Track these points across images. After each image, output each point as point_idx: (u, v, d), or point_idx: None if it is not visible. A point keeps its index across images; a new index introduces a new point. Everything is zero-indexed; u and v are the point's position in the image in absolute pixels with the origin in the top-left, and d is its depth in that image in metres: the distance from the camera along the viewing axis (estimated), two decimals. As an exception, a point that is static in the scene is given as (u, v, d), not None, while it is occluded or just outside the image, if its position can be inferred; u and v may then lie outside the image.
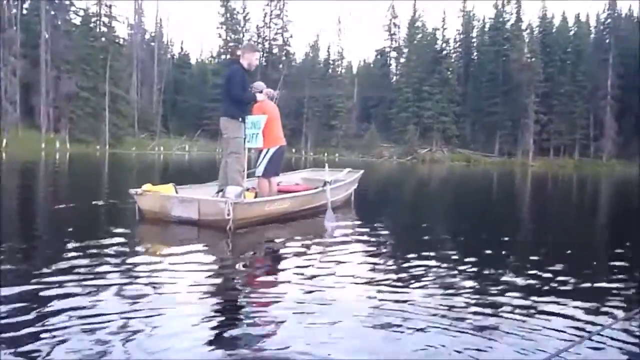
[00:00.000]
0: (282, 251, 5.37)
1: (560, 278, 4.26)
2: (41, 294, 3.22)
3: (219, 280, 4.05)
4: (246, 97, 6.74)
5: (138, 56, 57.92)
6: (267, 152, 7.14)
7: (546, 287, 3.94)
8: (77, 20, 49.01)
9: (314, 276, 4.06)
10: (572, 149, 59.40)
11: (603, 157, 56.55)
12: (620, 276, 4.58)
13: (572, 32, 62.08)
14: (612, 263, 5.23)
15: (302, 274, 4.10)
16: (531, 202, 14.16)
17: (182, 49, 75.32)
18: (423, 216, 9.29)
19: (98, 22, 49.16)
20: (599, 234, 8.30)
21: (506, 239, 6.72)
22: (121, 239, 5.17)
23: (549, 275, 4.36)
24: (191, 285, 3.69)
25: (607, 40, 59.24)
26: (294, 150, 57.85)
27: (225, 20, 62.93)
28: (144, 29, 63.53)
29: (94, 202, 7.94)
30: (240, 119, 6.58)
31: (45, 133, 42.51)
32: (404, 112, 60.24)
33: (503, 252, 5.67)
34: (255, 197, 7.02)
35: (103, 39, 48.25)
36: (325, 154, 56.27)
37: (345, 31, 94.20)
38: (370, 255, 5.14)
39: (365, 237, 6.11)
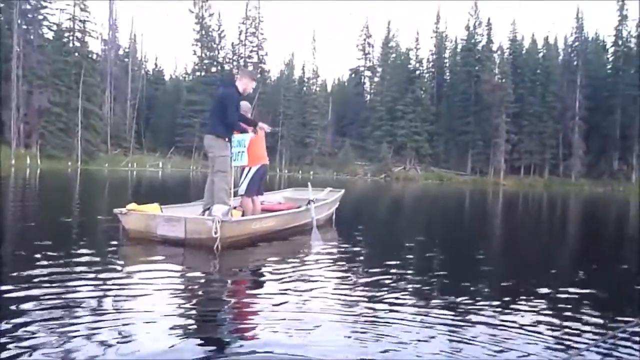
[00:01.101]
0: (269, 269, 5.36)
1: (527, 290, 4.41)
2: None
3: (206, 295, 4.11)
4: (238, 127, 6.72)
5: (111, 72, 57.46)
6: (249, 171, 7.20)
7: (513, 299, 4.01)
8: (50, 35, 48.42)
9: (301, 292, 4.11)
10: (542, 168, 60.70)
11: (572, 176, 57.87)
12: (589, 291, 4.67)
13: (541, 54, 63.72)
14: (582, 280, 5.34)
15: (290, 291, 4.15)
16: (505, 220, 14.38)
17: (156, 65, 75.08)
18: (402, 234, 9.33)
19: (71, 37, 48.67)
20: (569, 250, 8.48)
21: (481, 253, 6.87)
22: (107, 257, 5.14)
23: (516, 287, 4.58)
24: (175, 300, 3.74)
25: (575, 63, 61.04)
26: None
27: (200, 37, 62.90)
28: (118, 45, 63.15)
29: (67, 219, 7.80)
30: (227, 139, 6.55)
31: (15, 148, 41.62)
32: (377, 130, 60.89)
33: (478, 267, 5.77)
34: (243, 215, 7.00)
35: (76, 54, 47.75)
36: (300, 172, 56.35)
37: (319, 50, 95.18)
38: (354, 273, 5.16)
39: (349, 256, 6.19)
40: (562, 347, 3.08)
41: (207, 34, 63.45)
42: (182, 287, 4.32)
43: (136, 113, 59.75)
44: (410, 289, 4.47)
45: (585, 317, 3.82)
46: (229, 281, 4.75)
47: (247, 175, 7.18)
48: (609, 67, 62.39)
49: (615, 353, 2.99)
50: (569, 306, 4.15)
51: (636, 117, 55.16)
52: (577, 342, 3.18)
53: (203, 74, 62.82)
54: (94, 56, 52.02)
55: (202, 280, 4.64)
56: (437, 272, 5.46)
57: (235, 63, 65.89)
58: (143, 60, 70.29)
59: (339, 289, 4.35)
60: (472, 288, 4.60)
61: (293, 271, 5.05)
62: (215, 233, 5.65)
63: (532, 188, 49.75)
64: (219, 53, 65.38)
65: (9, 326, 2.94)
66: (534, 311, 3.89)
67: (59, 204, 12.05)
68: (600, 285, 5.17)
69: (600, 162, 57.48)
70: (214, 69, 64.39)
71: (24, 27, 45.63)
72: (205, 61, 63.51)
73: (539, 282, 5.11)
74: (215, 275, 4.99)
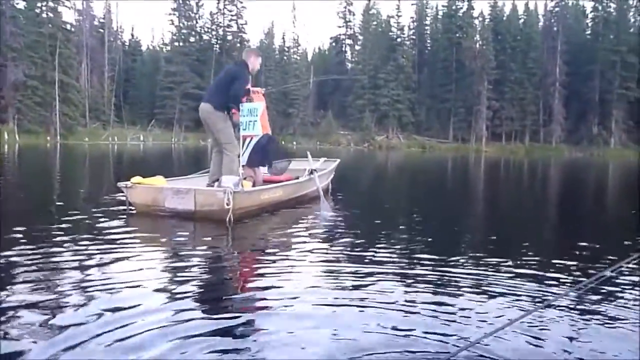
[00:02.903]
0: (286, 240, 5.18)
1: (508, 247, 4.50)
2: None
3: (225, 268, 4.07)
4: (239, 102, 6.48)
5: (87, 43, 56.06)
6: (250, 141, 7.05)
7: (495, 261, 4.10)
8: (21, 5, 46.86)
9: (324, 265, 4.05)
10: (523, 134, 61.17)
11: (552, 141, 58.47)
12: (566, 250, 4.77)
13: (521, 20, 63.59)
14: (559, 239, 5.46)
15: (313, 264, 4.08)
16: (487, 185, 14.52)
17: (132, 35, 73.32)
18: (398, 202, 9.43)
19: (44, 7, 47.22)
20: (549, 209, 8.61)
21: (469, 214, 6.95)
22: (116, 234, 4.96)
23: (499, 249, 4.71)
24: (196, 274, 3.71)
25: (555, 28, 61.03)
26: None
27: (177, 7, 61.54)
28: (93, 15, 61.40)
29: (63, 196, 7.66)
30: (225, 112, 6.36)
31: (-9, 124, 40.76)
32: (360, 99, 60.67)
33: (465, 234, 5.89)
34: (254, 185, 6.85)
35: (50, 25, 46.35)
36: (282, 142, 56.11)
37: (299, 18, 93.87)
38: (371, 245, 4.92)
39: (359, 225, 6.10)
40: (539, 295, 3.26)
41: (184, 2, 62.11)
42: (200, 260, 4.19)
43: (114, 85, 58.60)
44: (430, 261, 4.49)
45: (562, 267, 4.05)
46: (247, 253, 4.67)
47: (248, 145, 7.05)
48: (588, 32, 62.56)
49: (583, 304, 3.16)
50: (546, 259, 4.38)
51: (615, 82, 55.70)
52: (550, 293, 3.35)
53: (181, 44, 61.67)
54: (69, 27, 50.58)
55: (220, 253, 4.57)
56: (442, 239, 5.56)
57: (214, 32, 64.82)
58: (119, 30, 68.69)
59: (361, 263, 4.13)
60: (458, 257, 4.68)
61: (311, 242, 4.99)
62: (228, 204, 5.52)
63: (514, 154, 50.26)
64: (197, 22, 64.20)
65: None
66: (515, 265, 4.04)
67: (51, 180, 11.83)
68: (577, 239, 5.43)
69: (579, 127, 58.10)
70: (192, 39, 63.27)
71: (-6, -3, 44.16)
72: (183, 31, 62.29)
73: (520, 238, 5.47)
74: (232, 248, 4.89)
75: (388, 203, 9.08)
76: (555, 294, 3.32)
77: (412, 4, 67.78)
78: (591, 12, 61.89)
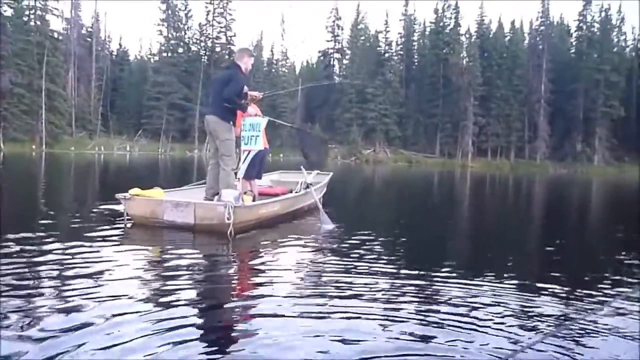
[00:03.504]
0: (286, 254, 5.10)
1: (492, 265, 4.46)
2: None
3: (228, 282, 4.02)
4: (237, 104, 6.41)
5: (75, 52, 55.80)
6: (248, 154, 6.97)
7: (479, 272, 4.09)
8: (9, 13, 46.63)
9: (323, 285, 3.95)
10: (509, 150, 61.85)
11: (537, 157, 59.15)
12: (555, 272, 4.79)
13: (507, 38, 64.51)
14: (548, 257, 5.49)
15: (308, 283, 4.00)
16: (473, 200, 14.59)
17: (120, 45, 73.10)
18: (390, 216, 9.43)
19: (33, 16, 47.04)
20: (532, 227, 8.67)
21: (456, 230, 6.97)
22: (114, 245, 4.93)
23: (484, 262, 4.62)
24: (199, 289, 3.69)
25: (541, 47, 61.98)
26: (237, 150, 57.36)
27: (166, 17, 61.59)
28: (81, 24, 61.21)
29: (55, 207, 7.53)
30: (230, 122, 6.33)
31: (-24, 132, 40.37)
32: (347, 113, 60.93)
33: (453, 249, 5.90)
34: (254, 200, 6.78)
35: (38, 33, 46.16)
36: (270, 154, 56.02)
37: (288, 31, 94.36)
38: (376, 259, 4.93)
39: (359, 238, 5.99)
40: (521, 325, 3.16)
41: (173, 13, 62.20)
42: (202, 275, 4.13)
43: (102, 94, 58.31)
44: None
45: (547, 292, 3.94)
46: (249, 267, 4.61)
47: (246, 158, 6.98)
48: (572, 51, 63.62)
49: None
50: (529, 282, 4.27)
51: (598, 100, 56.73)
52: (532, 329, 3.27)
53: (169, 54, 61.66)
54: (57, 35, 50.38)
55: (222, 267, 4.52)
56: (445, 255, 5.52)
57: (202, 44, 64.88)
58: (107, 40, 68.51)
59: (365, 274, 4.17)
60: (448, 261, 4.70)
61: (315, 255, 4.94)
62: (229, 219, 5.48)
63: (499, 170, 50.72)
64: (185, 33, 64.26)
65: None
66: (499, 288, 3.95)
67: (40, 191, 11.61)
68: (562, 262, 5.40)
69: (564, 144, 58.90)
70: (180, 50, 63.27)
71: (-19, 4, 43.91)
72: (172, 42, 62.31)
73: (504, 256, 5.44)
74: (232, 261, 4.83)
75: (380, 217, 9.10)
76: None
77: (400, 20, 68.56)
78: (575, 31, 63.11)
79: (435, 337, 2.78)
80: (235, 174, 6.86)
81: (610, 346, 2.77)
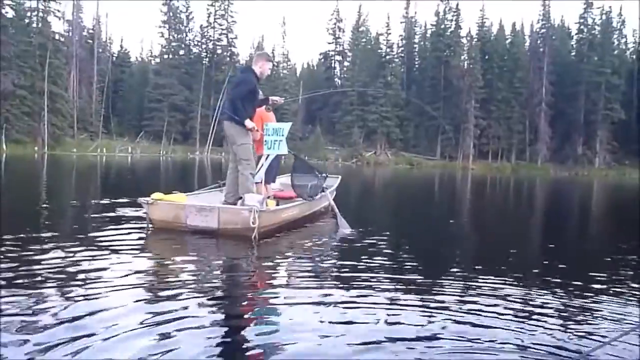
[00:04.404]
0: (313, 257, 5.17)
1: (494, 269, 4.51)
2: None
3: (255, 286, 4.05)
4: (238, 108, 6.24)
5: (77, 53, 55.84)
6: (267, 158, 6.98)
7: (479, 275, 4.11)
8: (11, 14, 46.65)
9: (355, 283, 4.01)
10: (510, 152, 61.85)
11: (538, 160, 59.14)
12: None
13: (508, 41, 64.51)
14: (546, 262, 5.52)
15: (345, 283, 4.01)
16: (475, 203, 14.60)
17: (121, 47, 73.24)
18: (398, 219, 9.47)
19: (35, 17, 47.11)
20: (534, 230, 8.68)
21: (458, 233, 6.98)
22: (140, 249, 5.00)
23: (486, 265, 4.67)
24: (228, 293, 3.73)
25: (541, 49, 62.00)
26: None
27: (167, 19, 61.70)
28: (83, 26, 61.28)
29: (74, 210, 7.50)
30: (244, 126, 6.29)
31: (-22, 133, 40.38)
32: (348, 115, 60.96)
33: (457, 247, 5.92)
34: (277, 204, 6.76)
35: (40, 35, 46.20)
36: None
37: (289, 33, 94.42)
38: (400, 262, 5.03)
39: (377, 242, 6.04)
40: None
41: (174, 15, 62.31)
42: (227, 281, 4.16)
43: (103, 96, 58.34)
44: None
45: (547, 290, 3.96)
46: (278, 271, 4.64)
47: (265, 162, 6.98)
48: (573, 54, 63.63)
49: None
50: (532, 286, 4.28)
51: (599, 103, 56.73)
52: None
53: (171, 56, 61.74)
54: (58, 37, 50.43)
55: (245, 268, 4.62)
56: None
57: (204, 46, 64.97)
58: (108, 42, 68.59)
59: (392, 280, 4.18)
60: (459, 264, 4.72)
61: (342, 263, 4.86)
62: (254, 223, 5.51)
63: (500, 172, 50.70)
64: (187, 35, 64.38)
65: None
66: (502, 291, 3.95)
67: (55, 193, 11.56)
68: (559, 262, 5.43)
69: (565, 146, 58.89)
70: (181, 52, 63.40)
71: (-16, 6, 43.94)
72: (173, 44, 62.46)
73: (507, 261, 5.46)
74: (259, 265, 4.86)
75: (393, 220, 9.16)
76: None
77: (401, 22, 68.63)
78: (576, 34, 63.08)
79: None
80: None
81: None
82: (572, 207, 15.38)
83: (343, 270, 4.50)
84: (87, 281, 3.59)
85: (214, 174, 21.74)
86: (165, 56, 61.95)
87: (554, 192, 22.90)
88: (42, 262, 4.08)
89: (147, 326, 2.75)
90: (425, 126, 62.44)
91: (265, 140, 6.55)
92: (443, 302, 3.53)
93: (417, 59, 69.52)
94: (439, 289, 3.93)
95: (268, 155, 6.93)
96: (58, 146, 45.22)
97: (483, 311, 3.30)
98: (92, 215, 7.16)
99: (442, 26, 64.61)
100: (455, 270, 4.67)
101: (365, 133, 60.62)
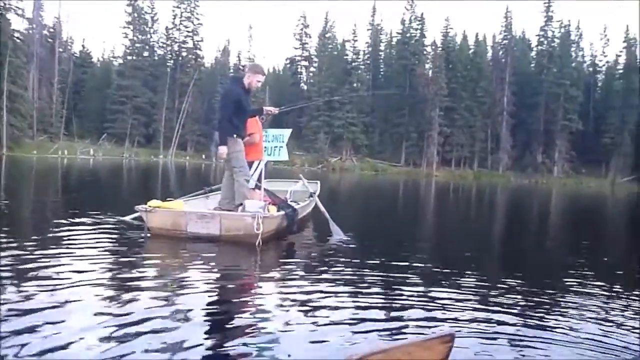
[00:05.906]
0: (319, 262, 5.26)
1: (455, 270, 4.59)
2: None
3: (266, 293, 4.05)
4: (221, 126, 6.28)
5: (37, 53, 54.26)
6: (259, 164, 6.95)
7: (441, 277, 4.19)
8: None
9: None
10: (472, 160, 63.00)
11: (499, 168, 60.43)
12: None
13: (472, 51, 65.75)
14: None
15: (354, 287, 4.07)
16: (437, 208, 14.83)
17: (83, 47, 71.53)
18: (370, 225, 9.51)
19: (-7, 15, 45.61)
20: (495, 234, 8.87)
21: (422, 238, 7.06)
22: (135, 257, 4.92)
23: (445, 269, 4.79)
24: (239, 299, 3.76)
25: (503, 60, 63.49)
26: (203, 156, 56.90)
27: (132, 20, 60.76)
28: (43, 24, 59.63)
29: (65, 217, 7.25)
30: (235, 135, 6.27)
31: None
32: (314, 120, 61.07)
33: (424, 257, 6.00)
34: (278, 210, 6.66)
35: (0, 32, 44.72)
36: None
37: (255, 37, 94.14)
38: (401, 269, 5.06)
39: (370, 249, 6.20)
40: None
41: (139, 16, 61.40)
42: (237, 287, 4.15)
43: (64, 97, 56.87)
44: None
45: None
46: (276, 274, 4.72)
47: (257, 168, 6.94)
48: (533, 65, 65.32)
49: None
50: (494, 291, 4.39)
51: (558, 113, 58.43)
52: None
53: (135, 57, 60.76)
54: (18, 34, 48.93)
55: (249, 273, 4.69)
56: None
57: (169, 48, 64.21)
58: (69, 41, 66.89)
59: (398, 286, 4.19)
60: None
61: (345, 269, 4.84)
62: (257, 229, 5.49)
63: (463, 179, 51.60)
64: (151, 37, 63.51)
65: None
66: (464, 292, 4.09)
67: (37, 200, 11.15)
68: (516, 265, 5.70)
69: (525, 155, 60.34)
70: (146, 53, 62.48)
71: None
72: (137, 45, 61.49)
73: (467, 263, 5.62)
74: (267, 270, 4.93)
75: (373, 227, 9.16)
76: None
77: (367, 29, 69.21)
78: (537, 45, 64.85)
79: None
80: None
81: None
82: (531, 215, 15.74)
83: (354, 279, 4.42)
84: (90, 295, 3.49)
85: (180, 179, 21.47)
86: (129, 57, 60.91)
87: (515, 199, 23.42)
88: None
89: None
90: (390, 133, 63.07)
91: (265, 147, 6.56)
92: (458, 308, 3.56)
93: (382, 66, 70.22)
94: (456, 294, 3.96)
95: (260, 160, 6.92)
96: (17, 147, 43.85)
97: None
98: (81, 224, 6.93)
99: (408, 34, 65.46)
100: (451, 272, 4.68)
101: (331, 139, 60.80)
